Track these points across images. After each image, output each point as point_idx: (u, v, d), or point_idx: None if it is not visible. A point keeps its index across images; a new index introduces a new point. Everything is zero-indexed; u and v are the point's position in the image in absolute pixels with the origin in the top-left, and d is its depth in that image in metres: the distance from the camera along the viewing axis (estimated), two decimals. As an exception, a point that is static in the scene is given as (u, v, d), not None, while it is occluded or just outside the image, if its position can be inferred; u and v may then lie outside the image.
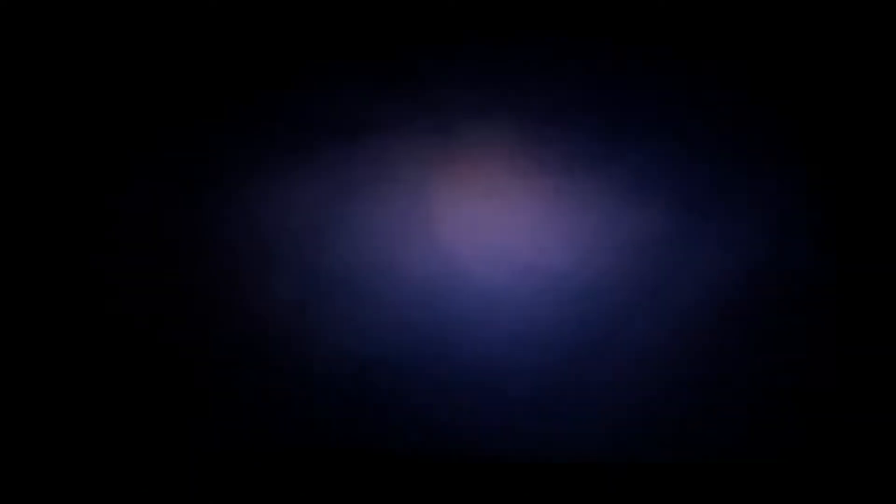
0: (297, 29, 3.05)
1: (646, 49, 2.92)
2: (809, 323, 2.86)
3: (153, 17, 3.08)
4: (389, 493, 2.91)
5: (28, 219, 3.09)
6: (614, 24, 2.92)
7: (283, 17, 3.05)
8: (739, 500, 2.82)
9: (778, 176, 2.90)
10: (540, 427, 2.93)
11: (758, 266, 2.87)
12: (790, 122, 2.89)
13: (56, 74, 3.12)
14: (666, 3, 2.88)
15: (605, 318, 2.90)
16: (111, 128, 3.09)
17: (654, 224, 2.90)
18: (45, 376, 3.06)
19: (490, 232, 2.97)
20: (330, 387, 2.99)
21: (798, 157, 2.89)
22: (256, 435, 3.00)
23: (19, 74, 3.12)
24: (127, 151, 3.09)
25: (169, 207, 3.08)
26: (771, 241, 2.88)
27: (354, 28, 3.02)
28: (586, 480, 2.89)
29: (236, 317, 3.03)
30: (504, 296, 2.95)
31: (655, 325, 2.89)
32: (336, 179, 3.02)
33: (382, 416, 2.96)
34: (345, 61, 3.03)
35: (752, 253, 2.88)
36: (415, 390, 2.96)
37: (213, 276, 3.05)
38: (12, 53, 3.11)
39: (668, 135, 2.93)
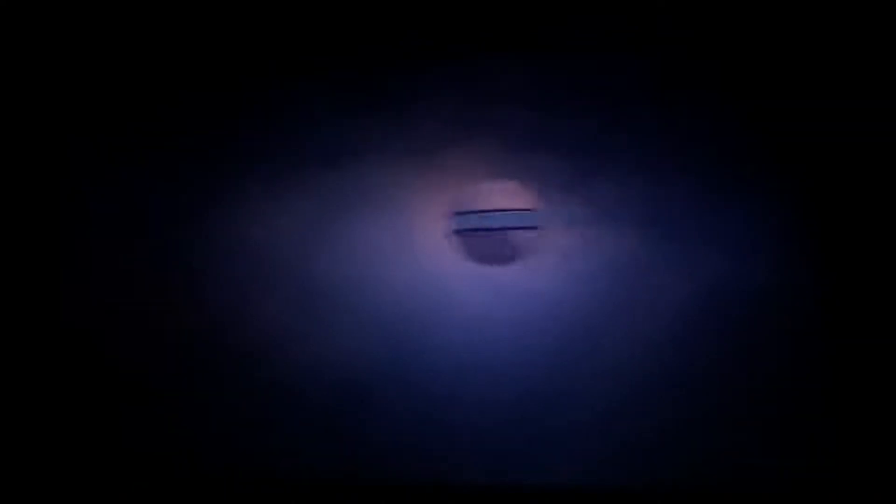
0: (284, 59, 3.13)
1: (620, 77, 3.00)
2: (780, 340, 2.90)
3: (156, 36, 3.16)
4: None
5: (26, 228, 3.14)
6: (590, 51, 3.01)
7: (271, 48, 3.13)
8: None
9: (750, 200, 2.97)
10: (518, 446, 2.95)
11: (732, 286, 2.92)
12: (759, 148, 2.97)
13: (53, 78, 3.19)
14: (642, 29, 2.96)
15: (582, 337, 2.95)
16: (101, 147, 3.16)
17: (629, 246, 2.96)
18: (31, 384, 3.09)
19: (470, 253, 3.02)
20: (311, 404, 3.01)
21: (766, 180, 2.96)
22: (236, 454, 3.02)
23: (9, 83, 3.19)
24: (120, 172, 3.15)
25: (157, 227, 3.13)
26: (745, 261, 2.94)
27: (338, 58, 3.11)
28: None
29: (221, 333, 3.07)
30: (483, 314, 2.99)
31: (631, 343, 2.93)
32: (321, 201, 3.09)
33: (363, 435, 2.98)
34: (330, 89, 3.11)
35: (728, 273, 2.93)
36: (395, 408, 2.99)
37: (199, 295, 3.10)
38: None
39: (644, 160, 3.00)
